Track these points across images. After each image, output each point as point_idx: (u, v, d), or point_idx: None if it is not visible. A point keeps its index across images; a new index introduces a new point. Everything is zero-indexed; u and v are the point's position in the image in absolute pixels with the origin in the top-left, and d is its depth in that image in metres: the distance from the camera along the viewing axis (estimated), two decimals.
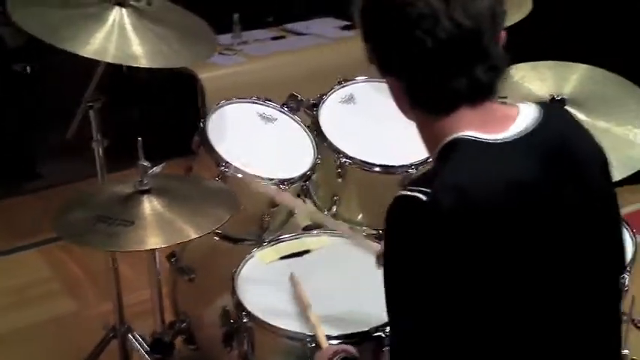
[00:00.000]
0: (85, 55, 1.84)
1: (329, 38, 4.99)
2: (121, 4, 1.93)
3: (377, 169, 2.16)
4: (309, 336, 1.70)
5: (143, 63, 1.92)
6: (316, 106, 2.27)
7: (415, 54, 1.11)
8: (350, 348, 1.58)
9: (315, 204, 2.32)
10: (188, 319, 2.35)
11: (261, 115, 2.21)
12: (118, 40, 1.89)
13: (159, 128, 4.20)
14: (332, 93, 2.31)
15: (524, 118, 1.16)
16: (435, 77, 1.13)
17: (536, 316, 1.13)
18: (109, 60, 1.87)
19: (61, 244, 3.27)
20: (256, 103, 2.24)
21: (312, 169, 2.13)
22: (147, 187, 1.74)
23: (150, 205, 1.72)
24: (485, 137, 1.13)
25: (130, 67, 4.72)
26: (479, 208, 1.08)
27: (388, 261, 1.16)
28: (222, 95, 4.37)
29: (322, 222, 2.03)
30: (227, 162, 2.02)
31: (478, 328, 1.11)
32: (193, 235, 1.70)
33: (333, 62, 4.78)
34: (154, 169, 1.72)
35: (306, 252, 2.04)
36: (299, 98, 2.34)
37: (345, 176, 2.18)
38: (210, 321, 2.17)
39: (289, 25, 5.10)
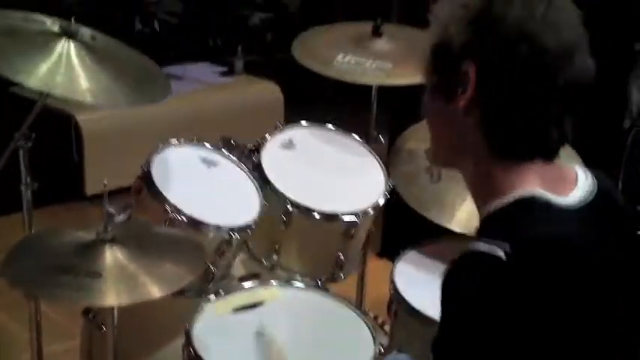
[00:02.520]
0: (31, 86, 1.68)
1: (209, 83, 4.93)
2: (69, 36, 1.78)
3: (321, 216, 2.11)
4: None
5: (89, 99, 1.78)
6: (256, 150, 2.20)
7: (535, 87, 1.05)
8: None
9: (250, 252, 2.23)
10: None
11: (203, 159, 2.11)
12: (65, 72, 1.74)
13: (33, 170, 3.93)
14: (271, 138, 2.25)
15: (583, 183, 1.15)
16: (536, 120, 1.08)
17: None
18: (57, 93, 1.71)
19: None
20: (197, 146, 2.14)
21: (261, 215, 2.05)
22: (110, 237, 1.58)
23: (113, 256, 1.57)
24: (556, 200, 1.10)
25: None
26: (556, 272, 1.05)
27: (453, 321, 1.07)
28: (103, 139, 4.25)
29: None
30: (177, 208, 1.89)
31: None
32: (158, 294, 1.58)
33: (216, 107, 4.73)
34: (120, 216, 1.58)
35: (260, 304, 1.95)
36: (233, 142, 2.26)
37: (289, 224, 2.11)
38: None
39: (165, 69, 4.97)
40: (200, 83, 4.90)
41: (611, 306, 1.13)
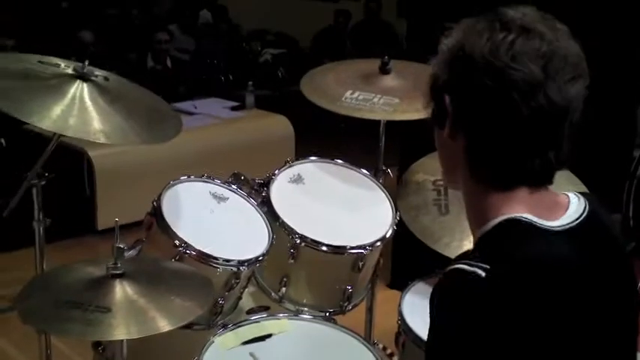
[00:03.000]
0: (45, 128, 1.73)
1: (220, 118, 4.99)
2: (83, 79, 1.84)
3: (328, 249, 2.14)
4: None
5: (102, 140, 1.83)
6: (265, 185, 2.24)
7: (503, 118, 1.10)
8: None
9: (259, 285, 2.26)
10: None
11: (213, 194, 2.15)
12: (78, 114, 1.79)
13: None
14: (280, 173, 2.29)
15: (575, 208, 1.18)
16: (512, 151, 1.12)
17: None
18: (70, 134, 1.76)
19: None
20: (207, 181, 2.18)
21: (269, 249, 2.08)
22: (120, 272, 1.62)
23: (123, 291, 1.60)
24: (542, 223, 1.13)
25: (9, 140, 4.48)
26: (536, 292, 1.08)
27: (436, 337, 1.12)
28: (115, 174, 4.31)
29: None
30: (187, 243, 1.93)
31: None
32: (166, 328, 1.61)
33: (227, 142, 4.78)
34: (130, 252, 1.61)
35: (268, 336, 1.97)
36: (242, 177, 2.31)
37: (297, 257, 2.14)
38: None
39: (177, 105, 5.05)
40: (212, 118, 4.97)
41: (593, 322, 1.15)
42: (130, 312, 1.57)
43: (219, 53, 6.66)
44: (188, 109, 5.05)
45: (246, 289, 2.24)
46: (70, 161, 4.30)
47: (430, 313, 1.12)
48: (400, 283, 2.36)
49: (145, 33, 6.36)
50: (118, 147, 4.28)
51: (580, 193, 1.24)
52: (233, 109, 5.18)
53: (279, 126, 5.08)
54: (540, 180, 1.16)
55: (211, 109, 5.12)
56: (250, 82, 5.36)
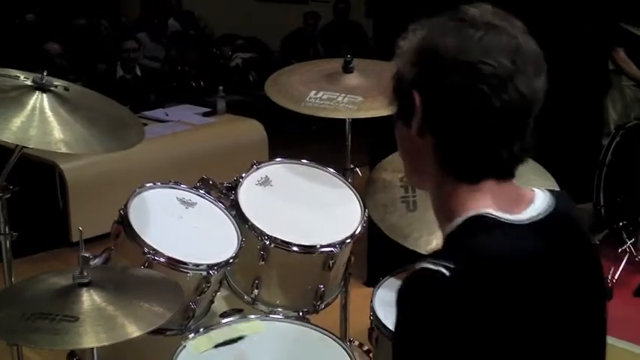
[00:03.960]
0: (5, 140, 1.73)
1: (192, 125, 4.98)
2: (42, 89, 1.84)
3: (298, 249, 2.16)
4: None
5: (63, 149, 1.82)
6: (233, 189, 2.25)
7: (475, 112, 1.10)
8: None
9: (231, 288, 2.27)
10: None
11: (181, 200, 2.16)
12: (38, 125, 1.79)
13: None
14: (248, 175, 2.30)
15: (540, 203, 1.19)
16: (481, 144, 1.12)
17: None
18: (31, 145, 1.76)
19: None
20: (174, 187, 2.18)
21: (238, 252, 2.09)
22: (87, 280, 1.62)
23: (90, 300, 1.61)
24: (506, 217, 1.14)
25: None
26: (501, 287, 1.09)
27: (401, 336, 1.12)
28: (87, 186, 4.29)
29: None
30: (155, 249, 1.94)
31: None
32: (136, 333, 1.61)
33: (200, 148, 4.78)
34: (96, 260, 1.61)
35: (241, 338, 1.98)
36: (210, 182, 2.31)
37: (268, 259, 2.15)
38: None
39: (147, 113, 5.04)
40: (184, 125, 4.96)
41: (557, 314, 1.16)
42: (99, 320, 1.57)
43: (189, 60, 6.65)
44: (160, 117, 5.04)
45: (219, 293, 2.25)
46: (41, 174, 4.29)
47: (396, 311, 1.12)
48: (376, 280, 2.37)
49: (114, 43, 6.34)
50: (89, 158, 4.27)
51: (549, 190, 1.24)
52: (205, 114, 5.18)
53: (251, 130, 5.08)
54: (506, 171, 1.17)
55: (183, 116, 5.11)
56: (221, 88, 5.35)
